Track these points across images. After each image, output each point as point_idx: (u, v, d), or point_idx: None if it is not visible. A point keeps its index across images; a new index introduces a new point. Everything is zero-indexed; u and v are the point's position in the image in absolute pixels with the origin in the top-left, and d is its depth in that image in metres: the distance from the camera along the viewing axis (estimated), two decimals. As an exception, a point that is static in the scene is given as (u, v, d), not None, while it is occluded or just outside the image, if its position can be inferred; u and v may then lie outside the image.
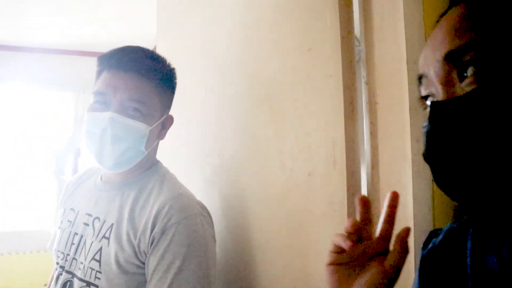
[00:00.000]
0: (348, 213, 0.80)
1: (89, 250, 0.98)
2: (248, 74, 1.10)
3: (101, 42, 3.76)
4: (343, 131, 0.81)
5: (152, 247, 0.93)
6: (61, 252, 1.05)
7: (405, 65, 0.74)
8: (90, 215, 1.04)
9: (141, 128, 0.96)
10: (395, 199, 0.53)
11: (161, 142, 1.10)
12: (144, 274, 0.95)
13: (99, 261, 0.95)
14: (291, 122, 0.93)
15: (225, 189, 1.23)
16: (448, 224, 0.58)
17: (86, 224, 1.03)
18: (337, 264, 0.54)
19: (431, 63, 0.44)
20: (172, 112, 1.09)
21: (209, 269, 0.96)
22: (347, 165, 0.80)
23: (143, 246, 0.94)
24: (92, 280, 0.95)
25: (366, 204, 0.55)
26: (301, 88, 0.91)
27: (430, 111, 0.40)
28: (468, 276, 0.50)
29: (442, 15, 0.46)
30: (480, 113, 0.37)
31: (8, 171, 3.72)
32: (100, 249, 0.97)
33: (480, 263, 0.50)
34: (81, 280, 0.97)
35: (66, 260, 1.03)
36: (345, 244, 0.52)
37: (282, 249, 0.97)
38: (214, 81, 1.31)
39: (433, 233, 0.59)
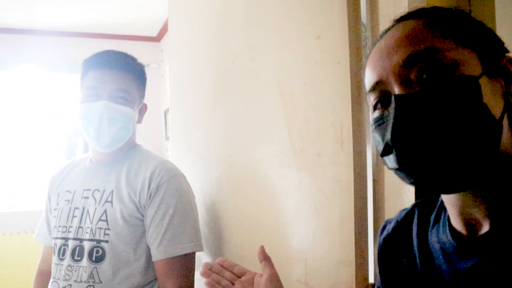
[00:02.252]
0: (354, 191, 0.86)
1: (93, 215, 1.18)
2: (260, 59, 1.15)
3: (110, 24, 3.80)
4: (350, 114, 0.86)
5: (150, 200, 1.17)
6: (63, 226, 1.22)
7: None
8: (88, 189, 1.24)
9: (129, 111, 1.21)
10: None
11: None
12: (144, 225, 1.18)
13: (106, 220, 1.16)
14: (301, 106, 0.99)
15: (241, 166, 1.29)
16: (399, 211, 0.68)
17: (86, 197, 1.23)
18: None
19: (388, 67, 0.50)
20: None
21: (194, 215, 1.23)
22: (353, 146, 0.86)
23: (143, 201, 1.17)
24: (102, 238, 1.16)
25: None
26: (311, 73, 0.96)
27: (397, 103, 0.47)
28: (416, 255, 0.59)
29: (385, 32, 0.54)
30: (434, 104, 0.45)
31: (20, 153, 3.80)
32: (105, 211, 1.18)
33: (424, 242, 0.59)
34: (91, 240, 1.16)
35: (69, 232, 1.21)
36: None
37: (296, 224, 1.04)
38: (225, 64, 1.35)
39: (387, 222, 0.69)
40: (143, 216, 1.18)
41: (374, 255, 0.90)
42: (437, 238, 0.56)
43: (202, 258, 1.49)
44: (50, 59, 3.80)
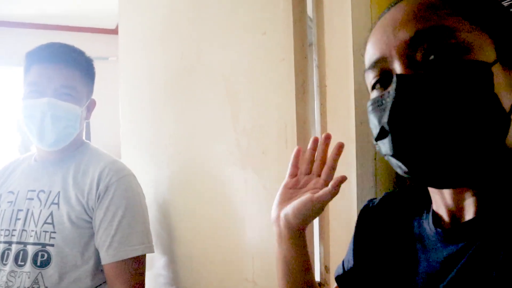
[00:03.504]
0: (298, 189, 0.85)
1: (38, 217, 1.12)
2: (206, 58, 1.13)
3: (66, 15, 3.66)
4: (295, 112, 0.86)
5: (98, 201, 1.11)
6: (5, 230, 1.15)
7: (351, 50, 0.79)
8: (33, 190, 1.16)
9: (74, 108, 1.13)
10: (340, 148, 0.65)
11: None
12: (92, 227, 1.13)
13: (52, 223, 1.10)
14: (246, 103, 0.97)
15: (191, 164, 1.27)
16: (384, 193, 0.65)
17: (30, 199, 1.15)
18: (286, 186, 0.67)
19: (392, 44, 0.45)
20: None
21: (145, 216, 1.19)
22: (297, 144, 0.85)
23: (91, 203, 1.12)
24: (47, 241, 1.10)
25: (315, 143, 0.68)
26: (256, 70, 0.94)
27: (398, 83, 0.42)
28: (395, 237, 0.56)
29: (394, 3, 0.48)
30: (439, 89, 0.41)
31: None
32: (51, 213, 1.11)
33: (406, 225, 0.56)
34: (35, 244, 1.10)
35: (13, 235, 1.13)
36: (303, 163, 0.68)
37: (243, 223, 1.03)
38: (174, 61, 1.32)
39: (370, 202, 0.66)
40: (91, 218, 1.13)
41: (320, 254, 0.89)
42: (418, 223, 0.54)
43: (154, 259, 1.46)
44: (1, 51, 3.63)
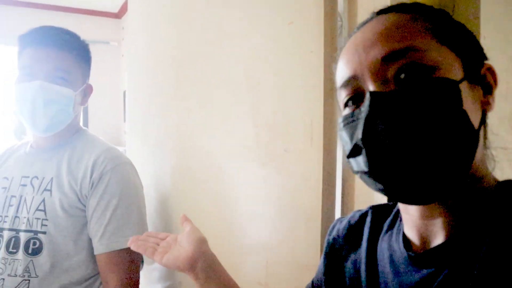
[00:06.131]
0: (323, 190, 0.80)
1: (31, 204, 1.09)
2: (227, 43, 1.07)
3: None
4: (322, 108, 0.80)
5: (92, 190, 1.08)
6: None
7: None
8: (27, 176, 1.14)
9: (68, 92, 1.10)
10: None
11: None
12: (85, 216, 1.10)
13: (44, 210, 1.07)
14: (269, 96, 0.92)
15: (200, 157, 1.21)
16: (352, 212, 0.64)
17: (24, 185, 1.13)
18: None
19: (364, 62, 0.46)
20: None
21: (140, 207, 1.15)
22: (324, 142, 0.80)
23: (84, 191, 1.09)
24: (38, 229, 1.07)
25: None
26: (281, 62, 0.89)
27: (372, 100, 0.43)
28: (362, 260, 0.56)
29: (363, 24, 0.50)
30: (412, 105, 0.41)
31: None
32: (43, 200, 1.08)
33: (373, 247, 0.56)
34: (27, 231, 1.07)
35: (5, 222, 1.10)
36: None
37: (257, 223, 0.98)
38: (188, 48, 1.26)
39: (338, 221, 0.65)
40: (84, 206, 1.10)
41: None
42: (388, 245, 0.54)
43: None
44: (2, 29, 3.54)
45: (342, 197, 0.82)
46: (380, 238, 0.56)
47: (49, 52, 1.08)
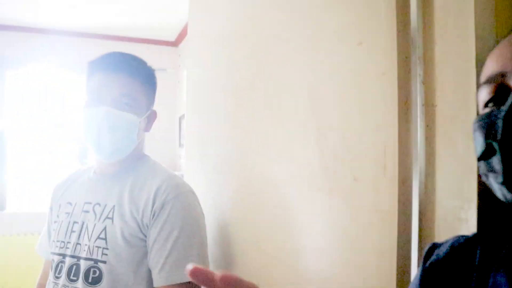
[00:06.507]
0: (398, 224, 0.73)
1: (92, 231, 1.07)
2: (290, 63, 1.03)
3: (128, 26, 3.75)
4: (396, 134, 0.74)
5: (153, 219, 1.05)
6: (61, 241, 1.12)
7: (474, 64, 0.66)
8: (89, 203, 1.13)
9: (133, 119, 1.10)
10: None
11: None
12: (146, 246, 1.07)
13: (105, 239, 1.05)
14: (336, 120, 0.86)
15: (261, 184, 1.17)
16: (452, 237, 0.56)
17: (86, 211, 1.12)
18: None
19: None
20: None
21: (202, 238, 1.11)
22: (399, 171, 0.73)
23: (146, 220, 1.06)
24: (99, 258, 1.05)
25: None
26: (350, 84, 0.84)
27: None
28: None
29: None
30: None
31: (35, 156, 3.75)
32: (105, 228, 1.06)
33: (486, 280, 0.48)
34: (87, 259, 1.05)
35: (67, 248, 1.10)
36: None
37: (321, 258, 0.91)
38: (248, 68, 1.24)
39: (434, 246, 0.57)
40: (145, 236, 1.07)
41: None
42: (495, 280, 0.46)
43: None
44: (66, 59, 3.76)
45: (419, 233, 0.74)
46: (495, 266, 0.49)
47: (117, 78, 1.08)
